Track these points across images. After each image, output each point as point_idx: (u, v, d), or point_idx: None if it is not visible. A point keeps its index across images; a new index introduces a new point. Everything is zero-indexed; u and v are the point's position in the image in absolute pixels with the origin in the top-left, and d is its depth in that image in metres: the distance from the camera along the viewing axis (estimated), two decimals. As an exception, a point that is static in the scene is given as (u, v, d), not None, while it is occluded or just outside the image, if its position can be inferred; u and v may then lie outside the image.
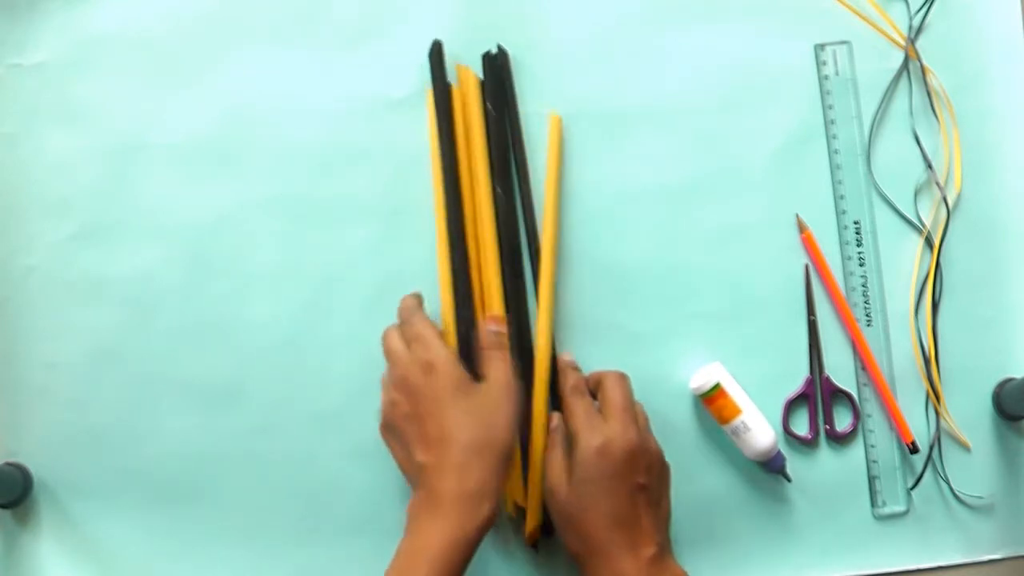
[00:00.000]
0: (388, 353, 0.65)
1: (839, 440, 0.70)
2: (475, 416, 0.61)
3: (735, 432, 0.67)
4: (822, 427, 0.70)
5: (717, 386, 0.67)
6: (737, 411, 0.67)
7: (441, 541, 0.58)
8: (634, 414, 0.64)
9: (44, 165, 0.70)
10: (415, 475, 0.62)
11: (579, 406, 0.65)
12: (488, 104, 0.69)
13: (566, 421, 0.65)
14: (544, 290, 0.68)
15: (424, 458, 0.61)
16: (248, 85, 0.70)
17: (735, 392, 0.67)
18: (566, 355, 0.68)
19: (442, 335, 0.65)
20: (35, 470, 0.69)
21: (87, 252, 0.70)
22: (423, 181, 0.70)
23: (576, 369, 0.67)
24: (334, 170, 0.70)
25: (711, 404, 0.68)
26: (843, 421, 0.70)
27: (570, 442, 0.64)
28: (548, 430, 0.66)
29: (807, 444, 0.70)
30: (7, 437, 0.70)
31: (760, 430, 0.67)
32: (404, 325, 0.66)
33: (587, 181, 0.70)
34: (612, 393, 0.64)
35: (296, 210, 0.70)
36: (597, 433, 0.62)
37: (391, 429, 0.64)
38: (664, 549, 0.63)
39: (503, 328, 0.65)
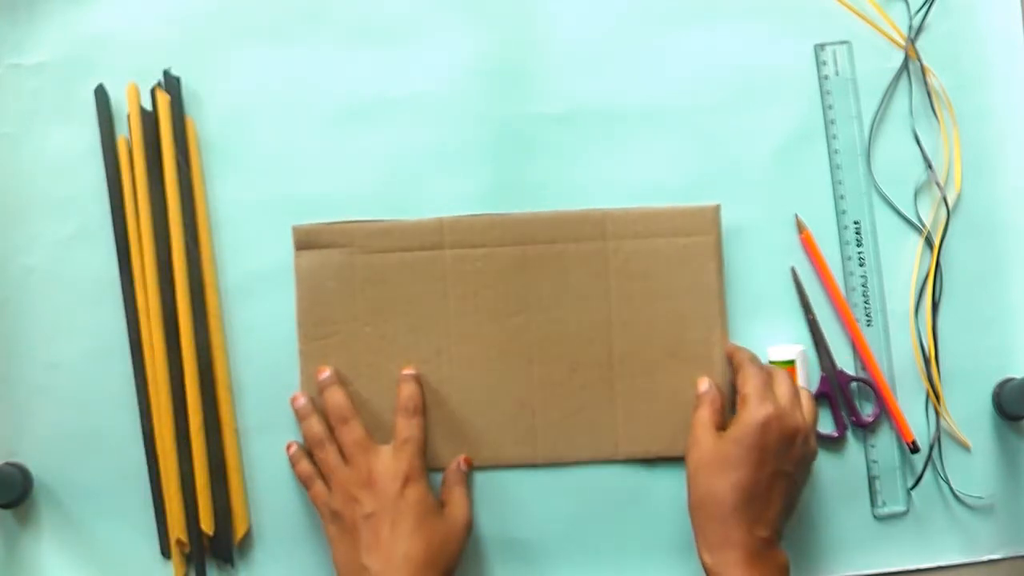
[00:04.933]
0: (366, 448, 0.65)
1: (867, 428, 0.70)
2: (431, 543, 0.63)
3: None
4: (848, 421, 0.70)
5: (791, 362, 0.68)
6: None
7: None
8: (800, 404, 0.64)
9: (44, 165, 0.70)
10: (354, 574, 0.63)
11: (758, 375, 0.64)
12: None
13: (739, 384, 0.65)
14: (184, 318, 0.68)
15: (371, 562, 0.62)
16: (247, 85, 0.71)
17: (802, 380, 0.68)
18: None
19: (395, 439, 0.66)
20: (35, 470, 0.69)
21: (87, 252, 0.70)
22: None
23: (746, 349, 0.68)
24: (335, 171, 0.70)
25: None
26: (864, 410, 0.70)
27: (722, 406, 0.66)
28: (697, 392, 0.67)
29: (835, 442, 0.70)
30: (7, 437, 0.70)
31: None
32: (350, 431, 0.66)
33: (587, 181, 0.70)
34: (782, 380, 0.65)
35: (294, 209, 0.70)
36: (769, 404, 0.62)
37: (343, 523, 0.65)
38: (777, 536, 0.63)
39: (467, 468, 0.68)
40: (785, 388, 0.64)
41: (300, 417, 0.68)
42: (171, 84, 0.70)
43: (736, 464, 0.62)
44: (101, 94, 0.70)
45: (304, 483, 0.67)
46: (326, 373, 0.68)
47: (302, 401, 0.68)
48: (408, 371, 0.68)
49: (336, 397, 0.67)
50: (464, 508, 0.66)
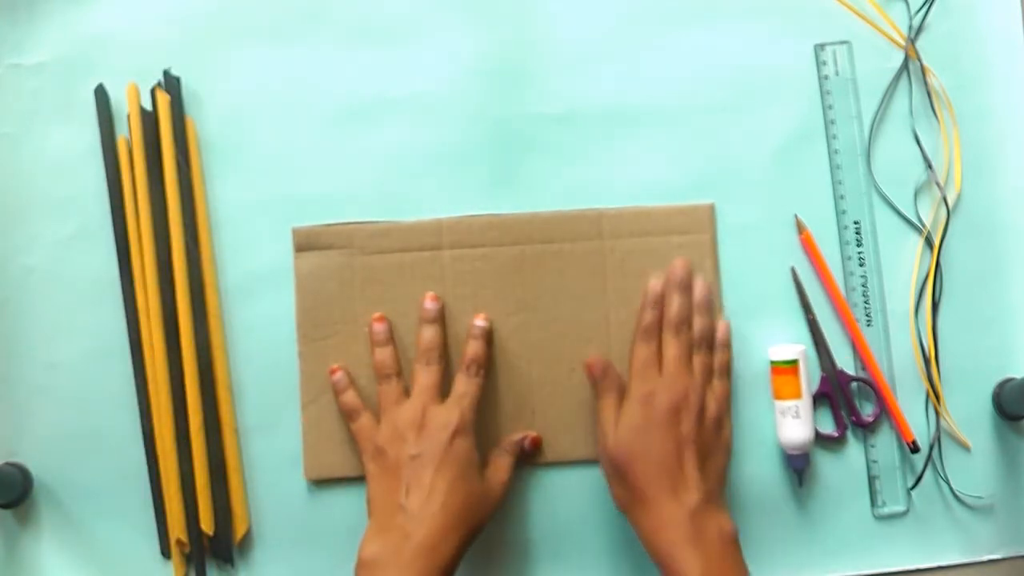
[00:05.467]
0: (422, 389, 0.65)
1: (867, 428, 0.70)
2: (469, 496, 0.63)
3: (784, 412, 0.68)
4: (848, 421, 0.70)
5: (795, 362, 0.68)
6: (798, 394, 0.67)
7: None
8: (689, 366, 0.65)
9: (44, 165, 0.70)
10: (388, 512, 0.63)
11: (640, 353, 0.66)
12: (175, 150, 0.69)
13: (629, 365, 0.66)
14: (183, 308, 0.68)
15: (408, 503, 0.62)
16: (247, 85, 0.71)
17: (803, 379, 0.68)
18: (655, 284, 0.68)
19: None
20: (35, 470, 0.69)
21: (87, 252, 0.70)
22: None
23: (654, 308, 0.67)
24: (335, 170, 0.70)
25: (779, 375, 0.68)
26: (864, 410, 0.70)
27: (621, 388, 0.66)
28: (594, 378, 0.66)
29: (835, 442, 0.70)
30: (7, 437, 0.70)
31: (806, 423, 0.68)
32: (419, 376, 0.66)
33: (587, 181, 0.70)
34: (668, 340, 0.65)
35: (294, 209, 0.70)
36: (645, 383, 0.64)
37: (386, 461, 0.64)
38: (711, 498, 0.63)
39: (532, 448, 0.68)
40: (670, 353, 0.65)
41: (377, 343, 0.67)
42: (171, 84, 0.70)
43: (637, 450, 0.63)
44: (101, 94, 0.70)
45: (348, 415, 0.67)
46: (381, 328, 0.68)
47: (379, 328, 0.68)
48: (480, 322, 0.68)
49: (430, 333, 0.67)
50: (505, 475, 0.67)
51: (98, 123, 0.70)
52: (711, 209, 0.70)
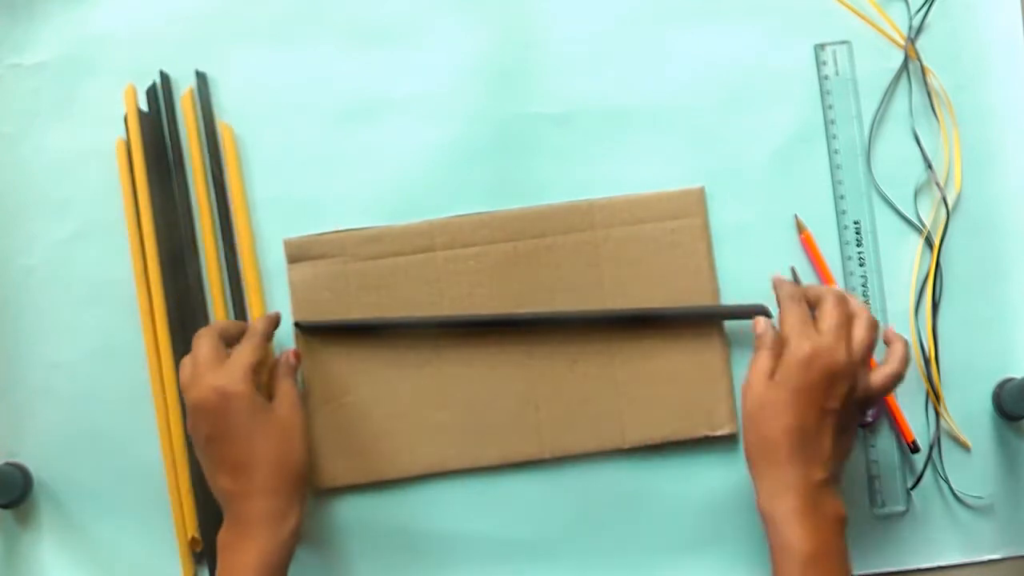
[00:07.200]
0: (181, 380, 0.64)
1: (867, 428, 0.70)
2: (272, 438, 0.62)
3: None
4: None
5: None
6: None
7: (254, 563, 0.60)
8: (848, 336, 0.62)
9: (44, 165, 0.70)
10: (221, 499, 0.63)
11: (795, 312, 0.63)
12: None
13: (781, 325, 0.63)
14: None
15: (227, 484, 0.62)
16: (248, 85, 0.71)
17: None
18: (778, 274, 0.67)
19: (229, 356, 0.64)
20: (35, 470, 0.69)
21: (87, 252, 0.70)
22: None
23: (791, 283, 0.66)
24: (336, 171, 0.70)
25: None
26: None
27: (781, 349, 0.63)
28: (755, 334, 0.64)
29: None
30: (7, 437, 0.70)
31: None
32: (194, 349, 0.64)
33: (587, 181, 0.70)
34: (829, 309, 0.62)
35: (289, 208, 0.70)
36: (808, 342, 0.61)
37: (198, 451, 0.64)
38: (833, 480, 0.62)
39: (296, 362, 0.67)
40: (831, 320, 0.62)
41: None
42: (165, 84, 0.70)
43: (784, 408, 0.61)
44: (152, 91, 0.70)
45: None
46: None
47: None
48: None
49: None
50: (291, 396, 0.65)
51: (141, 119, 0.70)
52: (701, 192, 0.70)
